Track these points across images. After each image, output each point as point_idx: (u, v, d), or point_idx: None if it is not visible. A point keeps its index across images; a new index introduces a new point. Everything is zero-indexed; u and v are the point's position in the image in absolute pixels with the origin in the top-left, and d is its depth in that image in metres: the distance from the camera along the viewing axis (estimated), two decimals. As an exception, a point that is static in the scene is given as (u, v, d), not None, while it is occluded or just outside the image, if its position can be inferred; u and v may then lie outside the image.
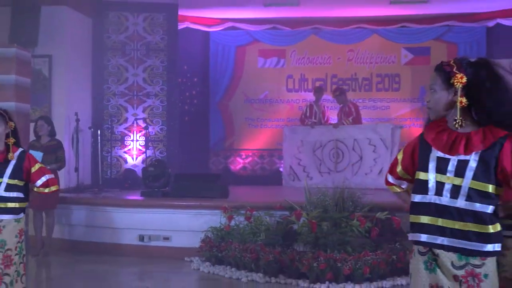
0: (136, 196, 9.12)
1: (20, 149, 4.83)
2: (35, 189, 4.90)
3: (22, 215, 4.84)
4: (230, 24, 13.39)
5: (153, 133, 11.85)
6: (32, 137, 8.94)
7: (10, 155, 4.64)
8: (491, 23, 12.91)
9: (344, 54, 13.71)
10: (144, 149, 11.66)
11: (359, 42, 13.67)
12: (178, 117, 12.18)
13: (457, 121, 2.76)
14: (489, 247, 2.72)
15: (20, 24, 9.41)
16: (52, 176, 5.04)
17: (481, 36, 13.24)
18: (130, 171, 11.05)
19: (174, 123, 11.96)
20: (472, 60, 2.87)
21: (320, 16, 13.13)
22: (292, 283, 6.89)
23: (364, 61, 13.71)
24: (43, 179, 4.86)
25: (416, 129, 13.16)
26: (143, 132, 11.73)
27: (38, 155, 7.71)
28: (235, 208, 8.12)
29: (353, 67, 13.70)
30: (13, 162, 4.70)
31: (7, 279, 4.57)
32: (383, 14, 12.94)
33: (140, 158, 11.63)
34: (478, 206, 2.73)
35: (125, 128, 11.80)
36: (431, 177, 2.86)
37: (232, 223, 7.96)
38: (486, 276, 2.75)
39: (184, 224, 8.41)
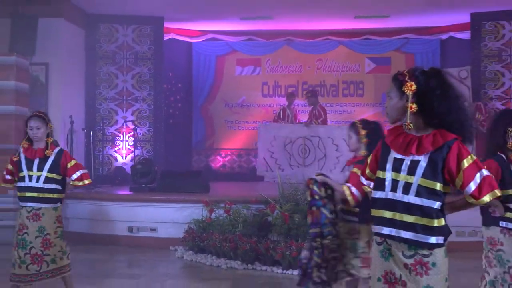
0: (125, 191, 9.07)
1: (58, 148, 5.10)
2: (71, 183, 5.14)
3: (59, 204, 5.08)
4: (210, 35, 13.38)
5: (141, 134, 11.79)
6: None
7: (48, 152, 4.88)
8: (444, 36, 13.03)
9: (314, 63, 13.77)
10: (132, 149, 11.60)
11: (327, 52, 13.74)
12: (164, 120, 12.13)
13: (406, 125, 2.83)
14: (433, 239, 2.77)
15: (19, 34, 9.32)
16: (86, 171, 5.24)
17: (435, 47, 13.37)
18: (120, 169, 10.98)
19: (160, 125, 11.91)
20: (425, 69, 2.91)
21: (292, 28, 13.16)
22: (267, 269, 6.90)
23: (331, 69, 13.78)
24: (78, 173, 5.08)
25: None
26: (132, 133, 11.67)
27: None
28: (215, 202, 8.11)
29: (322, 75, 13.77)
30: (51, 158, 4.93)
31: (47, 258, 4.89)
32: (349, 27, 12.98)
33: (129, 157, 11.56)
34: (425, 202, 2.78)
35: (115, 130, 11.73)
36: (388, 175, 2.91)
37: (213, 215, 7.95)
38: (434, 264, 2.78)
39: (169, 217, 8.38)
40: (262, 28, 13.01)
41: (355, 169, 4.27)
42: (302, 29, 13.19)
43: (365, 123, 4.63)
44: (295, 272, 6.71)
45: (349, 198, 4.14)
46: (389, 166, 2.91)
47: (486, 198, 2.72)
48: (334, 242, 4.38)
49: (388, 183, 2.89)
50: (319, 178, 4.32)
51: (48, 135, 4.99)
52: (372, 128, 4.52)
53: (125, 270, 6.97)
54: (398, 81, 2.88)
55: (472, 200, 2.78)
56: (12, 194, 8.79)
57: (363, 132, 4.48)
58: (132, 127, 11.58)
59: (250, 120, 13.49)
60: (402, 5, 10.95)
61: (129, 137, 11.71)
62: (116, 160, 11.51)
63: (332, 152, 10.71)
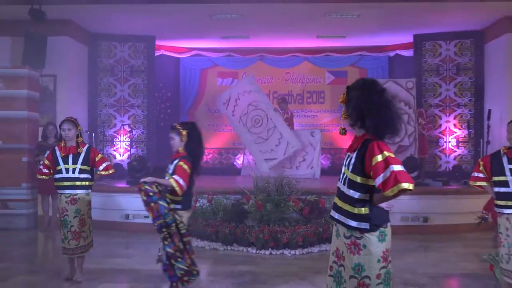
0: (123, 184, 9.02)
1: (87, 145, 5.46)
2: (98, 172, 5.49)
3: (89, 190, 5.49)
4: (195, 52, 13.35)
5: (136, 136, 11.74)
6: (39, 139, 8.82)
7: (79, 149, 5.32)
8: (392, 53, 13.15)
9: (283, 75, 13.83)
10: (129, 148, 11.55)
11: (294, 67, 13.80)
12: (155, 123, 12.09)
13: (340, 129, 3.00)
14: (353, 223, 2.85)
15: (30, 50, 9.23)
16: (110, 163, 5.63)
17: (384, 63, 13.52)
18: (118, 165, 10.88)
19: (152, 127, 11.87)
20: (355, 83, 3.01)
21: (265, 46, 13.18)
22: (243, 250, 6.95)
23: (297, 81, 13.85)
24: (104, 165, 5.47)
25: (335, 133, 13.39)
26: (128, 134, 11.63)
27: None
28: (199, 193, 8.08)
29: (289, 86, 13.83)
30: (82, 153, 5.34)
31: (83, 234, 5.34)
32: (312, 45, 13.04)
33: (126, 155, 11.51)
34: (351, 192, 2.88)
35: (114, 132, 11.67)
36: (343, 169, 3.02)
37: (197, 204, 7.95)
38: (364, 246, 2.85)
39: (160, 206, 8.36)
40: (239, 46, 13.02)
41: (181, 163, 4.53)
42: (273, 47, 13.23)
43: (183, 124, 4.95)
44: (267, 252, 6.77)
45: (177, 188, 4.32)
46: (344, 161, 3.06)
47: (389, 192, 2.68)
48: (182, 227, 4.46)
49: (340, 176, 3.03)
50: (147, 179, 4.45)
51: (78, 136, 5.37)
52: (190, 128, 4.88)
53: (122, 251, 6.95)
54: (346, 92, 3.01)
55: (386, 194, 2.72)
56: (25, 186, 8.74)
57: (184, 132, 4.79)
58: (128, 129, 11.56)
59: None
60: (356, 27, 11.04)
61: (125, 138, 11.67)
62: (115, 157, 11.44)
63: (299, 151, 10.76)
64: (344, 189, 2.93)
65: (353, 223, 2.86)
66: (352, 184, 2.88)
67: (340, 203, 2.96)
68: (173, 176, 4.42)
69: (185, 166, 4.54)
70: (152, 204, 4.34)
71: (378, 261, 2.84)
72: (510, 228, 4.33)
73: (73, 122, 5.38)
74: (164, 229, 4.33)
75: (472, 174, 4.71)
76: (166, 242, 4.34)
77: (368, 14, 9.95)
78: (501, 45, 10.32)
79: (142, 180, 4.44)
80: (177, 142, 4.85)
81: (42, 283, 5.31)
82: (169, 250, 4.32)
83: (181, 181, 4.39)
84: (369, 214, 2.83)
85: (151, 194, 4.33)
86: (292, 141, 10.22)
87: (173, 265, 4.34)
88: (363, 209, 2.85)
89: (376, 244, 2.84)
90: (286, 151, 10.12)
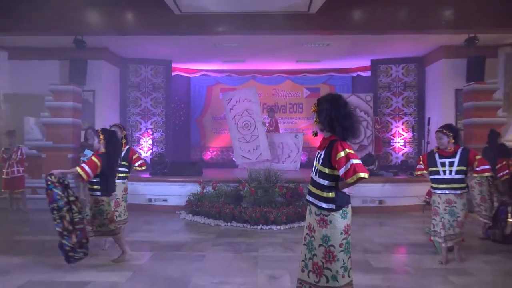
0: (146, 175, 9.01)
1: (128, 146, 5.51)
2: (134, 168, 5.54)
3: (126, 180, 5.54)
4: (203, 72, 13.32)
5: (157, 137, 11.71)
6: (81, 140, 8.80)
7: (122, 148, 5.23)
8: (354, 74, 13.17)
9: (270, 91, 13.81)
10: (151, 147, 11.51)
11: (279, 84, 13.78)
12: (172, 128, 12.07)
13: (313, 132, 3.09)
14: (324, 205, 2.93)
15: (75, 71, 9.24)
16: (144, 161, 5.63)
17: (349, 81, 13.52)
18: (143, 160, 10.85)
19: (169, 131, 11.84)
20: (324, 96, 3.08)
21: (256, 68, 13.19)
22: (240, 225, 6.95)
23: (281, 95, 13.82)
24: (139, 162, 5.54)
25: (311, 136, 13.36)
26: (151, 136, 11.59)
27: (89, 153, 7.58)
28: (206, 181, 8.14)
29: (275, 99, 13.81)
30: (123, 152, 5.36)
31: (116, 214, 5.37)
32: (293, 68, 13.05)
33: (149, 152, 11.47)
34: (321, 181, 2.96)
35: (139, 134, 11.63)
36: (315, 163, 3.08)
37: (204, 190, 7.99)
38: (330, 222, 2.92)
39: (176, 191, 8.37)
40: (237, 68, 13.02)
41: (93, 157, 4.64)
42: (263, 69, 13.23)
43: (104, 131, 4.90)
44: (258, 227, 6.78)
45: (82, 173, 4.42)
46: (316, 156, 3.10)
47: (350, 180, 2.79)
48: (76, 217, 4.53)
49: (313, 168, 3.09)
50: (54, 172, 4.48)
51: (122, 138, 5.38)
52: (108, 134, 4.85)
53: (146, 227, 6.94)
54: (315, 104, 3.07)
55: (348, 181, 2.83)
56: (70, 177, 8.67)
57: (101, 136, 4.80)
58: (151, 132, 11.52)
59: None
60: (327, 54, 11.08)
61: (149, 139, 11.63)
62: (140, 154, 11.38)
63: (285, 150, 10.78)
64: (316, 178, 3.01)
65: (323, 205, 2.94)
66: (322, 174, 2.96)
67: (313, 189, 3.04)
68: (81, 165, 4.53)
69: (95, 160, 4.61)
70: (49, 191, 4.39)
71: (341, 233, 2.91)
72: (440, 202, 4.83)
73: (120, 127, 5.50)
74: (55, 211, 4.37)
75: (417, 167, 5.19)
76: (55, 222, 4.41)
77: (336, 44, 10.00)
78: (438, 67, 10.40)
79: (50, 172, 4.48)
80: (96, 143, 4.85)
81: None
82: (58, 229, 4.41)
83: (86, 168, 4.48)
84: (335, 198, 2.91)
85: (49, 183, 4.40)
86: (264, 152, 10.09)
87: (62, 241, 4.41)
88: (330, 193, 2.93)
89: (339, 220, 2.92)
90: (258, 157, 10.02)
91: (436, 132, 4.94)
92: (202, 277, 4.25)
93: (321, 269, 2.91)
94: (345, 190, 2.96)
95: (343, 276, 2.89)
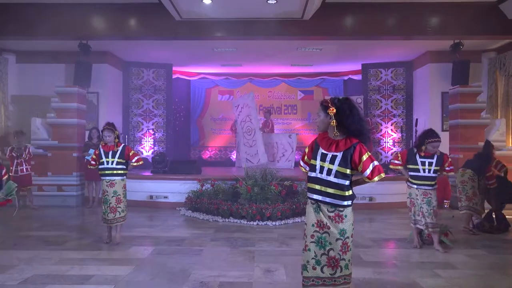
0: (148, 173, 8.98)
1: (123, 144, 5.49)
2: (131, 164, 5.48)
3: (124, 177, 5.49)
4: (202, 75, 13.32)
5: (158, 137, 11.68)
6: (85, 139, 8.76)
7: (116, 148, 5.40)
8: (346, 77, 13.20)
9: (266, 93, 13.82)
10: (152, 146, 11.49)
11: (274, 87, 13.80)
12: (172, 128, 12.04)
13: (335, 133, 2.88)
14: (345, 203, 2.86)
15: (79, 74, 9.17)
16: (140, 157, 5.57)
17: (340, 84, 13.56)
18: (144, 159, 10.75)
19: (170, 131, 11.81)
20: (340, 97, 2.95)
21: (253, 72, 13.20)
22: (237, 221, 6.94)
23: (277, 97, 13.85)
24: (135, 158, 5.46)
25: (305, 136, 13.42)
26: (152, 136, 11.57)
27: (91, 151, 7.57)
28: (205, 179, 8.11)
29: (271, 101, 13.82)
30: (119, 150, 5.40)
31: (119, 209, 5.39)
32: (287, 71, 13.07)
33: (150, 151, 11.44)
34: (341, 181, 2.86)
35: (141, 134, 11.60)
36: (318, 163, 2.94)
37: (203, 188, 7.95)
38: (346, 216, 2.87)
39: (176, 189, 8.35)
40: (234, 71, 13.02)
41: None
42: (259, 72, 13.24)
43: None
44: (254, 223, 6.78)
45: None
46: (318, 157, 2.94)
47: (376, 179, 2.90)
48: None
49: (318, 168, 2.93)
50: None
51: (115, 137, 5.42)
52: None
53: (147, 223, 6.92)
54: (324, 106, 2.92)
55: (367, 180, 2.92)
56: (75, 175, 8.69)
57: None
58: (152, 132, 11.50)
59: (226, 128, 13.46)
60: (319, 58, 11.09)
61: (150, 139, 11.61)
62: (142, 153, 11.38)
63: (280, 149, 10.77)
64: (331, 179, 2.88)
65: (344, 202, 2.87)
66: (341, 175, 2.86)
67: (328, 190, 2.89)
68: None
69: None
70: None
71: (352, 224, 2.92)
72: (418, 194, 5.23)
73: (111, 129, 5.41)
74: None
75: (394, 162, 5.51)
76: None
77: (328, 49, 10.00)
78: (425, 71, 10.42)
79: None
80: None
81: (88, 246, 5.28)
82: None
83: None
84: (352, 195, 2.90)
85: None
86: (262, 157, 10.03)
87: None
88: (350, 191, 2.90)
89: (351, 213, 2.91)
90: (258, 162, 9.98)
91: (436, 141, 5.13)
92: (201, 271, 4.24)
93: (338, 261, 2.87)
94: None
95: (351, 264, 2.93)
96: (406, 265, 4.52)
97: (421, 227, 5.26)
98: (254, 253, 4.97)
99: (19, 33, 8.34)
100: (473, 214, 6.21)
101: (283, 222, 6.84)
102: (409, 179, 5.35)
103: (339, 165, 2.86)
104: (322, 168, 2.91)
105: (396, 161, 5.44)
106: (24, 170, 8.13)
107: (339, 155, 2.87)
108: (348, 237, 2.88)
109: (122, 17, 8.28)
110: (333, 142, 2.91)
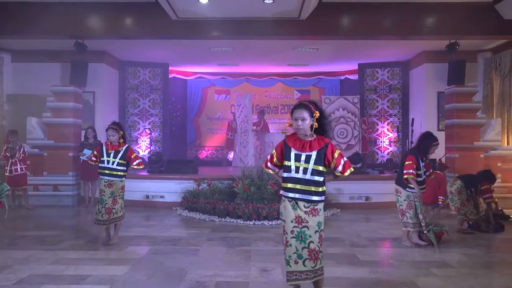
0: (144, 173, 8.96)
1: (126, 145, 5.39)
2: (132, 166, 5.41)
3: (123, 178, 5.39)
4: (198, 75, 13.31)
5: (154, 137, 11.67)
6: (82, 139, 8.74)
7: (120, 148, 5.30)
8: (342, 77, 13.23)
9: (263, 93, 13.82)
10: (149, 146, 11.48)
11: (271, 87, 13.81)
12: (169, 127, 12.03)
13: (311, 134, 3.08)
14: (320, 198, 3.06)
15: (75, 73, 9.14)
16: (141, 160, 5.49)
17: (337, 84, 13.59)
18: (141, 159, 10.81)
19: (166, 131, 11.80)
20: (311, 101, 3.16)
21: (250, 71, 13.20)
22: (233, 221, 6.93)
23: (274, 97, 13.86)
24: (136, 161, 5.39)
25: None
26: (148, 136, 11.56)
27: (88, 152, 7.55)
28: (201, 179, 8.11)
29: (268, 101, 13.83)
30: (122, 151, 5.30)
31: (114, 210, 5.29)
32: (284, 71, 13.08)
33: (147, 151, 11.43)
34: (317, 178, 3.03)
35: (138, 134, 11.58)
36: (292, 163, 3.08)
37: (200, 187, 7.93)
38: (320, 209, 3.08)
39: (172, 188, 8.34)
40: (231, 71, 13.01)
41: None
42: (255, 72, 13.24)
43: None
44: (251, 222, 6.77)
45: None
46: (292, 158, 3.08)
47: (347, 173, 3.11)
48: None
49: (293, 168, 3.06)
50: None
51: (120, 137, 5.32)
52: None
53: (143, 222, 6.91)
54: (309, 109, 3.04)
55: (339, 174, 3.12)
56: (71, 174, 8.65)
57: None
58: (149, 132, 11.49)
59: (223, 128, 13.42)
60: (316, 58, 11.10)
61: (146, 138, 11.60)
62: (138, 153, 11.35)
63: (270, 149, 10.75)
64: (308, 176, 3.02)
65: (317, 198, 3.04)
66: (317, 172, 3.03)
67: (303, 187, 3.03)
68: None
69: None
70: None
71: (325, 217, 3.17)
72: (417, 197, 5.21)
73: (116, 129, 5.32)
74: None
75: (409, 172, 5.17)
76: None
77: (325, 49, 10.01)
78: (421, 71, 10.46)
79: None
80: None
81: (84, 246, 5.26)
82: None
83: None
84: (325, 190, 3.10)
85: None
86: (250, 159, 10.05)
87: None
88: (324, 187, 3.08)
89: (323, 207, 3.11)
90: (248, 164, 9.90)
91: (436, 144, 5.26)
92: (197, 270, 4.23)
93: (318, 253, 3.01)
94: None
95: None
96: (402, 264, 4.53)
97: (422, 228, 5.26)
98: (251, 252, 4.97)
99: (14, 32, 8.29)
100: (465, 219, 6.22)
101: (279, 221, 6.77)
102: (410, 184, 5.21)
103: (315, 163, 3.03)
104: (297, 168, 3.06)
105: (413, 171, 5.14)
106: (19, 170, 8.02)
107: (313, 154, 3.04)
108: (322, 230, 3.08)
109: (118, 16, 8.26)
110: (306, 143, 3.07)
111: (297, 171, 3.04)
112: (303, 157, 3.04)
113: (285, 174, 3.09)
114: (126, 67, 11.44)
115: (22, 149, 8.11)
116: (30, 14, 8.13)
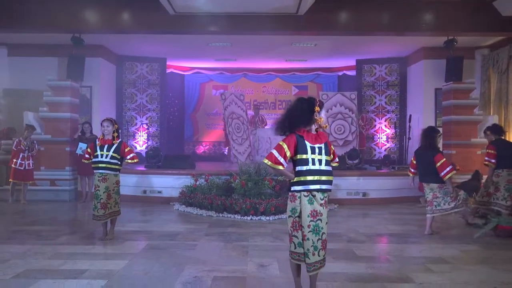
0: (141, 168, 8.94)
1: (119, 140, 5.37)
2: (126, 161, 5.38)
3: (118, 172, 5.38)
4: (196, 70, 13.29)
5: (152, 132, 11.65)
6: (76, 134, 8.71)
7: (114, 141, 5.27)
8: (340, 73, 13.22)
9: (260, 88, 13.80)
10: (146, 141, 11.46)
11: (269, 82, 13.78)
12: (166, 122, 12.01)
13: (317, 128, 3.23)
14: (331, 187, 3.28)
15: (72, 68, 9.08)
16: (135, 154, 5.47)
17: (335, 80, 13.57)
18: (138, 153, 10.74)
19: (164, 126, 11.78)
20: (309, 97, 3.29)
21: (247, 67, 13.17)
22: (231, 216, 6.94)
23: (271, 93, 13.83)
24: (130, 155, 5.36)
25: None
26: (146, 131, 11.53)
27: (83, 145, 7.53)
28: (199, 174, 8.10)
29: (265, 96, 13.81)
30: (115, 145, 5.27)
31: (109, 205, 5.26)
32: (282, 67, 13.06)
33: (144, 146, 11.41)
34: (329, 168, 3.21)
35: (135, 129, 11.56)
36: (309, 156, 3.13)
37: (197, 183, 7.94)
38: (327, 197, 3.28)
39: (170, 183, 8.35)
40: (228, 66, 12.99)
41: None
42: (253, 67, 13.21)
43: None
44: (248, 218, 6.77)
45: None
46: (308, 151, 3.14)
47: (334, 164, 3.34)
48: None
49: (311, 161, 3.13)
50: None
51: (114, 131, 5.30)
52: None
53: (141, 217, 6.91)
54: (319, 106, 3.23)
55: (335, 165, 3.36)
56: (68, 169, 8.63)
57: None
58: (146, 127, 11.47)
59: (220, 123, 13.39)
60: (314, 54, 11.09)
61: (144, 133, 11.58)
62: (135, 148, 11.33)
63: (271, 145, 10.74)
64: (323, 167, 3.16)
65: (331, 187, 3.26)
66: (327, 163, 3.20)
67: (324, 178, 3.15)
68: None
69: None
70: None
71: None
72: (436, 189, 5.67)
73: (111, 121, 5.34)
74: None
75: (410, 170, 6.04)
76: None
77: (322, 44, 10.00)
78: (419, 68, 10.46)
79: None
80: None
81: (81, 240, 5.25)
82: None
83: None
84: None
85: None
86: (244, 156, 10.04)
87: None
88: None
89: None
90: (246, 159, 9.90)
91: (440, 134, 5.79)
92: (195, 265, 4.23)
93: (326, 242, 3.21)
94: None
95: None
96: (399, 260, 4.54)
97: (446, 211, 5.73)
98: (248, 247, 4.97)
99: (11, 26, 8.23)
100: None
101: (277, 217, 6.85)
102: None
103: (326, 154, 3.19)
104: (314, 160, 3.13)
105: (412, 169, 5.98)
106: (31, 165, 8.22)
107: (323, 146, 3.20)
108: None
109: (116, 10, 8.20)
110: (316, 136, 3.21)
111: (314, 163, 3.13)
112: (317, 150, 3.16)
113: (304, 168, 3.12)
114: (123, 61, 11.40)
115: (35, 145, 8.22)
116: (26, 7, 8.07)
